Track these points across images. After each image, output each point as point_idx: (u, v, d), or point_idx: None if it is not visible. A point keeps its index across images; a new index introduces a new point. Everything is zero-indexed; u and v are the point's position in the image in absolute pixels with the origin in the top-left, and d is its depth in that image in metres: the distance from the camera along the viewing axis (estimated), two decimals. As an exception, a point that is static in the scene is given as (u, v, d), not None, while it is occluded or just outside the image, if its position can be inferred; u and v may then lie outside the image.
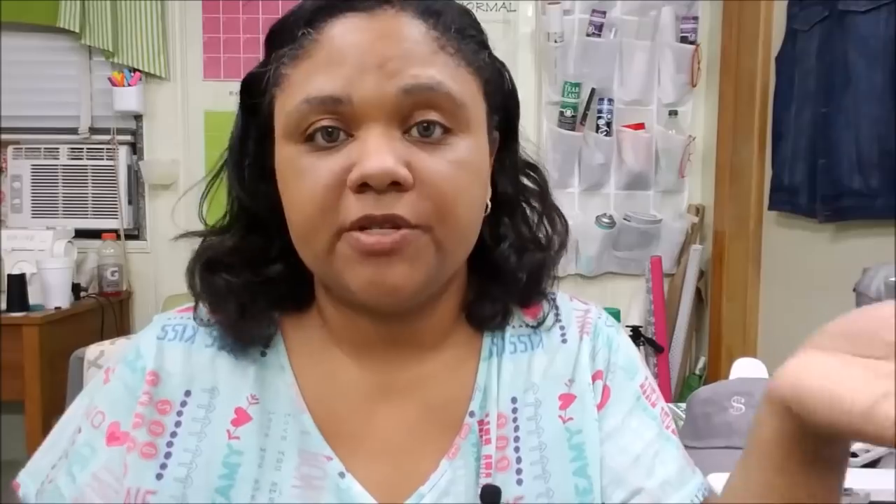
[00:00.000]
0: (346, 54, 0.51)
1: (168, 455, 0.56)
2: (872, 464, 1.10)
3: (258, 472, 0.55)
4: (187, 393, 0.58)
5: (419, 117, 0.51)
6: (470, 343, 0.62)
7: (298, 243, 0.55)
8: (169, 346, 0.60)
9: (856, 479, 0.96)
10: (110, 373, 0.60)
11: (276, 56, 0.55)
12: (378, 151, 0.49)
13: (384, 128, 0.50)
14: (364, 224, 0.50)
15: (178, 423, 0.57)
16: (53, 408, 2.16)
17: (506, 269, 0.61)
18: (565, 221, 0.64)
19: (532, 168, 0.64)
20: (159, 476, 0.55)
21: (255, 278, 0.59)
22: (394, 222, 0.50)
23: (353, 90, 0.50)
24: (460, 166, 0.52)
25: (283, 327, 0.61)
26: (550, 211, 0.63)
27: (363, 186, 0.49)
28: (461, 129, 0.53)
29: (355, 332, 0.59)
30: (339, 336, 0.60)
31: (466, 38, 0.55)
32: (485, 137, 0.56)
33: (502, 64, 0.60)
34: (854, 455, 1.11)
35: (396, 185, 0.49)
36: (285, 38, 0.54)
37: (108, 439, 0.57)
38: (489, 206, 0.58)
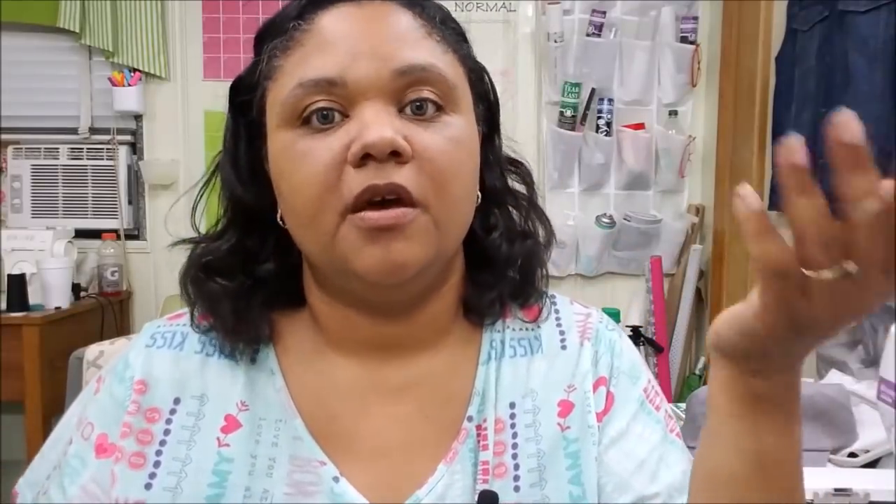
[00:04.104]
0: (337, 39, 0.53)
1: (157, 464, 0.55)
2: (872, 464, 1.10)
3: (249, 479, 0.55)
4: (176, 400, 0.57)
5: (413, 95, 0.53)
6: (468, 343, 0.61)
7: (301, 230, 0.55)
8: (157, 353, 0.59)
9: (856, 479, 0.97)
10: (101, 382, 0.60)
11: (266, 49, 0.55)
12: (377, 122, 0.50)
13: (381, 105, 0.52)
14: (368, 196, 0.50)
15: (167, 432, 0.57)
16: (53, 408, 2.14)
17: (498, 257, 0.61)
18: (548, 219, 0.65)
19: (516, 164, 0.65)
20: (148, 486, 0.55)
21: (248, 280, 0.59)
22: (396, 192, 0.50)
23: (347, 72, 0.52)
24: (454, 143, 0.54)
25: (274, 328, 0.60)
26: (535, 207, 0.64)
27: (364, 158, 0.50)
28: (452, 109, 0.54)
29: (351, 331, 0.58)
30: (334, 336, 0.59)
31: (449, 28, 0.58)
32: (474, 120, 0.58)
33: (481, 64, 0.62)
34: (854, 455, 1.11)
35: (396, 156, 0.50)
36: (275, 33, 0.55)
37: (96, 451, 0.57)
38: (479, 197, 0.59)
